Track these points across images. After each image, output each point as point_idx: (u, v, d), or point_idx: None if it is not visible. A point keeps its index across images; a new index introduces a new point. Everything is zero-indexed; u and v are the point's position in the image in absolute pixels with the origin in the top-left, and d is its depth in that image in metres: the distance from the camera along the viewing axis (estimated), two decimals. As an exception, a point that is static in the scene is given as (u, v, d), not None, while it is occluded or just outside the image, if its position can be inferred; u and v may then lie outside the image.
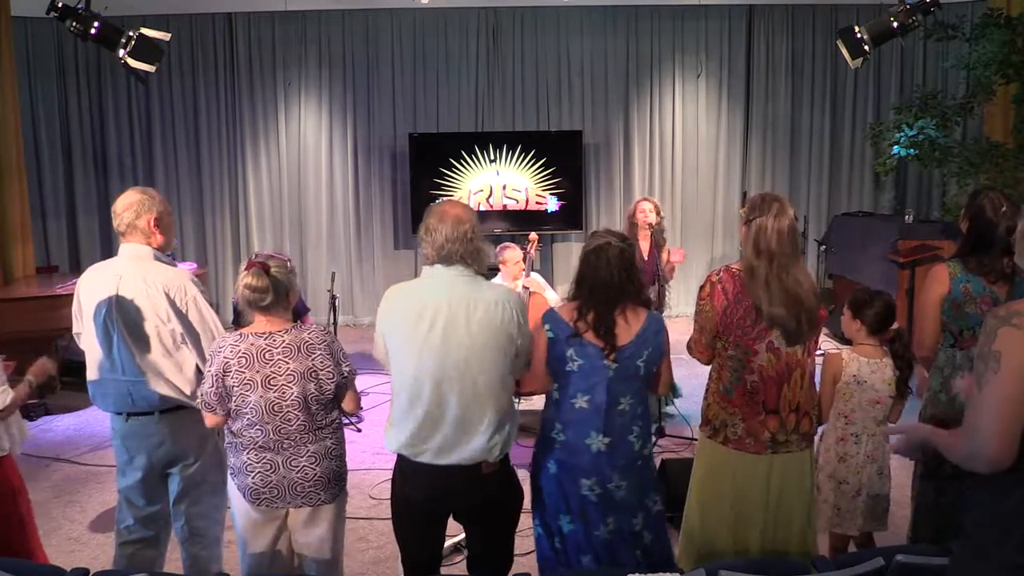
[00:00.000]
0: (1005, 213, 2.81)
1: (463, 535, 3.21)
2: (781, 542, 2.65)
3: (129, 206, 2.80)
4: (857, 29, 5.39)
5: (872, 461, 3.03)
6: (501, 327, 2.42)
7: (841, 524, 3.07)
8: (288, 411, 2.51)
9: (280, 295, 2.54)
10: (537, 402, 5.51)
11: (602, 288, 2.55)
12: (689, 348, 2.78)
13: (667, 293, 5.44)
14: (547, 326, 2.60)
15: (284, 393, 2.50)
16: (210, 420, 2.61)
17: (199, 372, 2.84)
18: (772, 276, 2.53)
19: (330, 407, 2.61)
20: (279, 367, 2.50)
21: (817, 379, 3.08)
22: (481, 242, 2.47)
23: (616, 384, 2.55)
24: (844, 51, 5.50)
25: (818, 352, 2.78)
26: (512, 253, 5.21)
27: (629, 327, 2.56)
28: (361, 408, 5.52)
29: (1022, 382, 1.63)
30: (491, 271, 6.18)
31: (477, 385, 2.42)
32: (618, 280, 2.55)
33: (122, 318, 2.77)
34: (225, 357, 2.51)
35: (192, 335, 2.81)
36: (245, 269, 2.54)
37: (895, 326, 3.07)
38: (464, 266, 2.44)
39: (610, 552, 2.61)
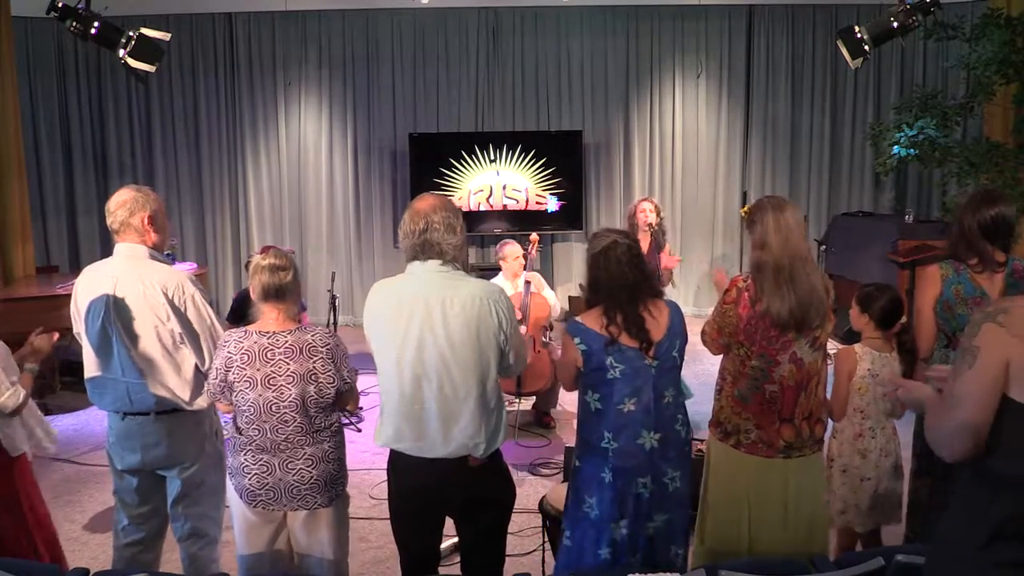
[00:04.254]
0: (984, 203, 2.84)
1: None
2: (801, 543, 2.64)
3: (122, 204, 2.78)
4: (857, 29, 5.38)
5: (886, 455, 3.02)
6: (479, 323, 2.39)
7: (863, 523, 3.04)
8: (285, 412, 2.51)
9: (296, 276, 2.60)
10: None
11: (619, 288, 2.52)
12: (703, 337, 2.77)
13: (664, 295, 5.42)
14: (577, 339, 2.54)
15: (282, 393, 2.50)
16: (224, 408, 2.64)
17: (197, 372, 2.83)
18: (782, 264, 2.51)
19: (329, 411, 2.60)
20: (279, 367, 2.50)
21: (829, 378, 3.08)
22: (452, 233, 2.41)
23: (659, 380, 2.54)
24: (844, 51, 5.49)
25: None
26: (512, 249, 5.21)
27: (658, 322, 2.54)
28: (361, 408, 5.55)
29: (995, 380, 1.62)
30: (492, 270, 6.18)
31: (455, 381, 2.41)
32: (633, 278, 2.53)
33: (120, 319, 2.76)
34: (229, 352, 2.53)
35: (191, 334, 2.80)
36: (260, 253, 2.59)
37: (903, 320, 3.07)
38: (440, 260, 2.42)
39: (659, 547, 2.60)
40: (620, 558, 2.58)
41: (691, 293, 8.44)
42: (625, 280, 2.52)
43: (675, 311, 2.61)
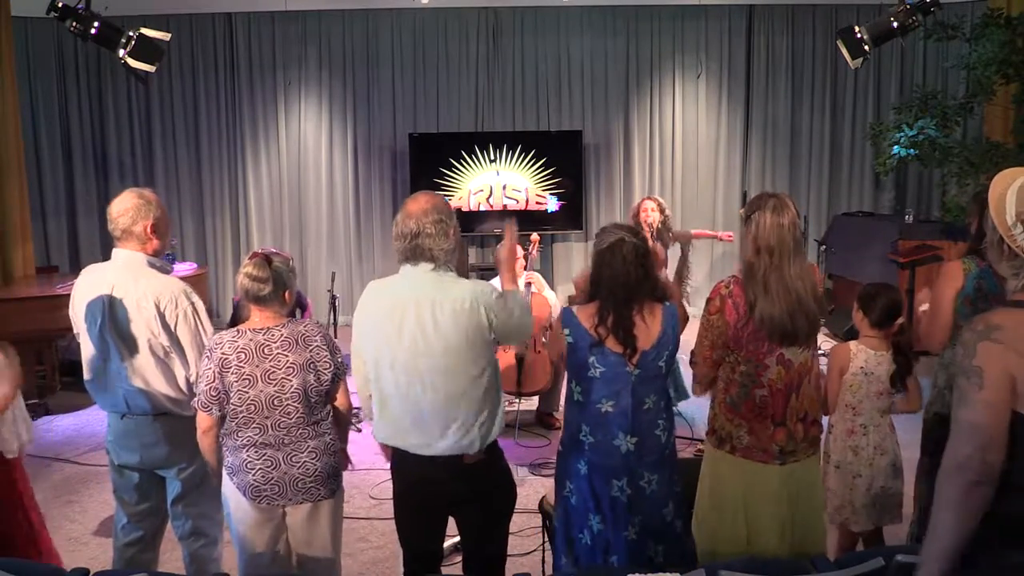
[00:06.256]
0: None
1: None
2: (799, 545, 2.63)
3: (125, 211, 2.75)
4: (857, 29, 5.39)
5: (882, 453, 3.01)
6: (469, 323, 2.41)
7: (858, 521, 3.04)
8: (288, 404, 2.53)
9: (278, 288, 2.56)
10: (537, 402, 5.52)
11: (620, 287, 2.50)
12: (692, 363, 2.70)
13: (686, 291, 5.35)
14: (567, 331, 2.55)
15: (284, 386, 2.51)
16: (205, 422, 2.58)
17: (189, 384, 2.82)
18: (771, 272, 2.48)
19: (327, 400, 2.64)
20: (278, 360, 2.52)
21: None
22: (444, 237, 2.42)
23: (640, 387, 2.53)
24: (844, 51, 5.50)
25: (818, 352, 2.77)
26: None
27: (648, 329, 2.52)
28: (353, 408, 5.54)
29: (1005, 395, 1.64)
30: (492, 270, 6.18)
31: (447, 382, 2.43)
32: (635, 277, 2.51)
33: (116, 327, 2.76)
34: (224, 353, 2.52)
35: (177, 348, 2.78)
36: (248, 259, 2.58)
37: (900, 320, 3.07)
38: (432, 265, 2.43)
39: (637, 549, 2.59)
40: (596, 551, 2.60)
41: (693, 294, 8.42)
42: (627, 279, 2.50)
43: (669, 317, 2.57)
